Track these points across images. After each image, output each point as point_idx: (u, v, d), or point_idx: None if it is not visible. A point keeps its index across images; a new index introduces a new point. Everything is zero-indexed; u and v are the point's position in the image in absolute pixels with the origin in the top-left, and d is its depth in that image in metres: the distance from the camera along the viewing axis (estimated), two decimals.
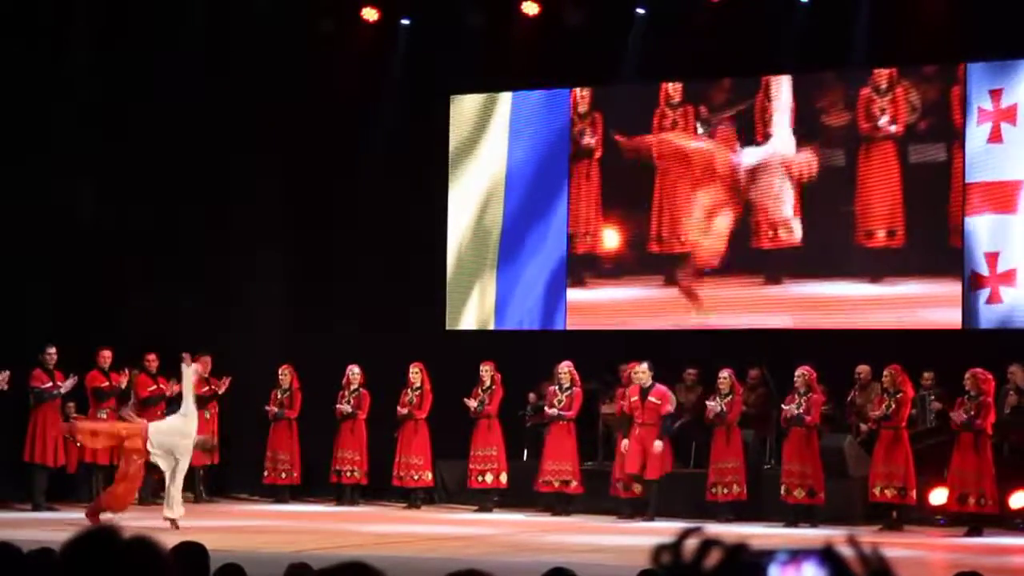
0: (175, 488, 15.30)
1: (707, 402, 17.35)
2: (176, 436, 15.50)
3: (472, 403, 18.20)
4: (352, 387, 18.85)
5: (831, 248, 18.52)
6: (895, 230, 18.29)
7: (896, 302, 18.18)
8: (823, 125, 18.68)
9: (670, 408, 17.37)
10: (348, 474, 18.84)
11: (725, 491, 17.15)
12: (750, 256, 18.94)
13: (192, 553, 5.37)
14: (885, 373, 16.57)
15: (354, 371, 18.82)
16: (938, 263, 17.99)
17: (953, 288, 17.87)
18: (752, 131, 18.99)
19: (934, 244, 18.04)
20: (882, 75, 18.38)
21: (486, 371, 18.25)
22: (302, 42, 19.96)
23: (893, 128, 18.33)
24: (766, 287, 18.87)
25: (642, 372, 17.39)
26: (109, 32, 19.51)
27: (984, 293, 17.72)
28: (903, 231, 18.21)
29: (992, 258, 17.65)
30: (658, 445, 17.07)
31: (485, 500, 18.30)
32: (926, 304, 18.03)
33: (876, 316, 18.28)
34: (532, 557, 12.59)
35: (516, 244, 20.10)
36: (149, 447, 15.35)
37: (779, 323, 18.68)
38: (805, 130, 18.73)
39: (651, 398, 17.28)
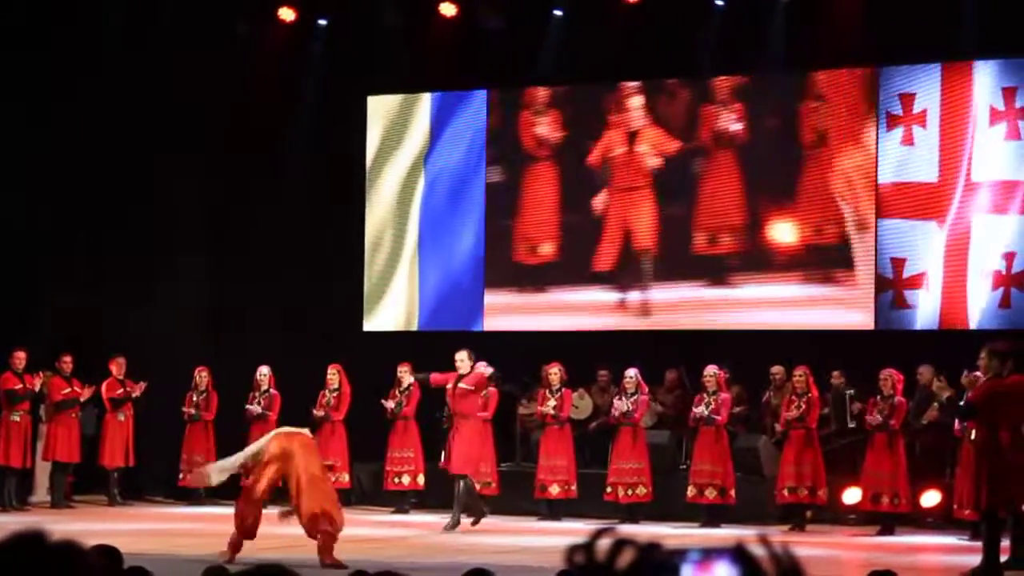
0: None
1: (615, 400, 17.35)
2: None
3: (389, 404, 18.14)
4: (262, 388, 18.69)
5: (749, 249, 18.68)
6: (802, 232, 18.46)
7: (808, 303, 18.32)
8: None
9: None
10: None
11: (628, 492, 17.09)
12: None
13: (106, 556, 5.33)
14: (795, 374, 16.71)
15: (263, 372, 18.66)
16: (850, 264, 18.14)
17: (866, 290, 18.04)
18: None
19: (848, 246, 18.21)
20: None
21: (403, 372, 18.18)
22: (219, 42, 19.82)
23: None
24: (682, 287, 18.96)
25: (459, 360, 16.19)
26: (30, 30, 19.27)
27: (894, 295, 17.88)
28: (823, 233, 18.36)
29: (901, 262, 17.81)
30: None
31: (402, 502, 18.26)
32: (839, 305, 18.18)
33: (789, 316, 18.41)
34: (450, 558, 12.61)
35: (434, 245, 20.08)
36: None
37: (695, 323, 18.78)
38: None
39: (463, 384, 16.17)
